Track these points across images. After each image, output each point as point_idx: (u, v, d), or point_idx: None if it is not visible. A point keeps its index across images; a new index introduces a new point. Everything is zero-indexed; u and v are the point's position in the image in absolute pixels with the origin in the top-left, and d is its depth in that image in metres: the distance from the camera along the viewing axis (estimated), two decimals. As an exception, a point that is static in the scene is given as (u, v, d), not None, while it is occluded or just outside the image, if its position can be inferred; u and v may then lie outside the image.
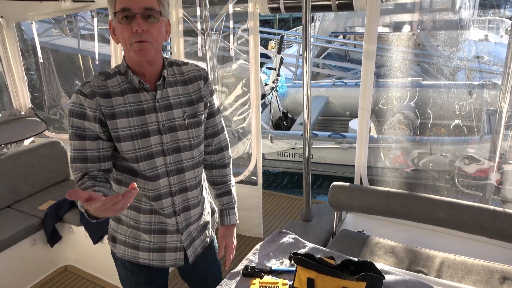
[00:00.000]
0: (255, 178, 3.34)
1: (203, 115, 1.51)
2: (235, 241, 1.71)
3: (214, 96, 1.58)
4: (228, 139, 1.71)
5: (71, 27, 13.11)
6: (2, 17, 3.51)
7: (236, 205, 1.74)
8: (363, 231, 2.46)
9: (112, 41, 3.37)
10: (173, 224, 1.49)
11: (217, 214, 1.74)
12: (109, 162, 1.39)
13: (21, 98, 3.88)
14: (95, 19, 3.99)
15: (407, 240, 2.35)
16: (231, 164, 1.71)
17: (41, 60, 4.03)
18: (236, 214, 1.73)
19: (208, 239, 1.68)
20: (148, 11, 1.28)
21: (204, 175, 1.65)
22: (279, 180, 6.30)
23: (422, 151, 4.68)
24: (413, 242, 2.32)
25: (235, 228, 1.73)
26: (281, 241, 1.85)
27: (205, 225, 1.64)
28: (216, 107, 1.59)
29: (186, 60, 3.41)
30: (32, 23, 3.70)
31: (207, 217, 1.65)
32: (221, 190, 1.69)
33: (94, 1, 3.44)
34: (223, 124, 1.67)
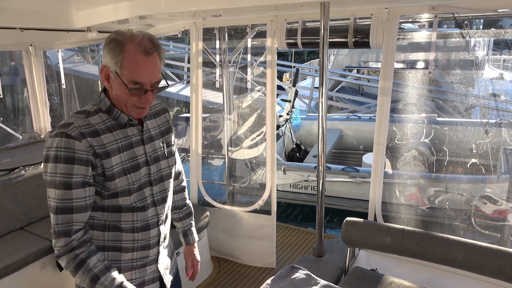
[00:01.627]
0: (268, 207, 3.32)
1: (174, 145, 1.63)
2: (198, 256, 1.86)
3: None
4: (181, 164, 1.82)
5: (93, 55, 13.61)
6: (31, 45, 3.67)
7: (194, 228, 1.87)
8: (376, 269, 2.39)
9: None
10: (154, 254, 1.54)
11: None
12: (90, 212, 1.37)
13: (42, 121, 3.99)
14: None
15: (423, 281, 2.27)
16: (186, 188, 1.84)
17: (63, 86, 4.17)
18: (195, 235, 1.87)
19: (175, 263, 1.76)
20: (156, 84, 1.35)
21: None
22: (290, 211, 6.23)
23: (438, 188, 4.60)
24: (428, 283, 2.25)
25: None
26: (293, 277, 1.82)
27: (171, 246, 1.74)
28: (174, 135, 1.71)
29: (204, 90, 3.51)
30: (58, 51, 3.86)
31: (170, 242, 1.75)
32: (184, 213, 1.80)
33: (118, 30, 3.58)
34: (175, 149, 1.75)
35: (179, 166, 1.75)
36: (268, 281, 1.81)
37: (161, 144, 1.53)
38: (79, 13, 2.90)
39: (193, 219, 1.86)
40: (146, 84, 1.31)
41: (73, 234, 1.31)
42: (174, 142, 1.62)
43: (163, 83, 1.40)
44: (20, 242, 2.92)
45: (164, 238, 1.58)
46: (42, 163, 1.33)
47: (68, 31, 3.29)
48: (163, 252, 1.60)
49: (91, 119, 1.35)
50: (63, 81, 4.07)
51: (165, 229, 1.57)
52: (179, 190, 1.78)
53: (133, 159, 1.41)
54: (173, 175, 1.59)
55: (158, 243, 1.54)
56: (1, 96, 3.78)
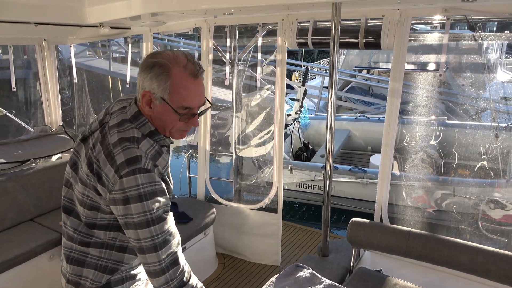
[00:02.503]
0: (275, 206, 3.34)
1: None
2: None
3: None
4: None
5: (104, 50, 13.71)
6: (45, 40, 3.73)
7: None
8: (381, 270, 2.40)
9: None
10: None
11: None
12: None
13: (53, 115, 4.05)
14: (130, 45, 4.18)
15: (427, 283, 2.27)
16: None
17: (75, 81, 4.22)
18: None
19: None
20: (202, 106, 1.32)
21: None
22: (296, 210, 6.24)
23: (445, 191, 4.57)
24: (433, 286, 2.25)
25: None
26: (297, 275, 1.83)
27: None
28: None
29: (213, 88, 3.53)
30: (70, 46, 3.91)
31: None
32: None
33: (130, 28, 3.62)
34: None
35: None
36: (273, 278, 1.83)
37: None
38: (92, 8, 2.94)
39: None
40: (195, 108, 1.28)
41: (181, 260, 1.27)
42: None
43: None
44: (30, 233, 2.98)
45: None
46: (119, 206, 1.21)
47: (81, 26, 3.33)
48: None
49: (141, 146, 1.27)
50: (75, 75, 4.12)
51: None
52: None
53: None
54: None
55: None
56: (14, 89, 3.84)
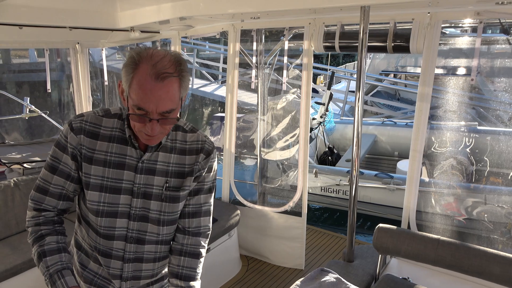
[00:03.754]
0: (299, 209, 3.33)
1: (186, 192, 1.35)
2: None
3: (212, 174, 1.41)
4: (210, 228, 1.44)
5: (133, 53, 14.05)
6: (78, 43, 3.87)
7: None
8: (408, 278, 2.34)
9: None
10: (116, 287, 1.40)
11: None
12: (68, 203, 1.34)
13: (85, 116, 4.20)
14: (159, 48, 4.28)
15: (457, 293, 2.21)
16: (202, 260, 1.42)
17: (106, 83, 4.35)
18: None
19: None
20: (167, 114, 1.17)
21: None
22: (320, 215, 6.18)
23: (476, 199, 4.43)
24: (463, 296, 2.18)
25: None
26: (322, 279, 1.82)
27: None
28: (208, 186, 1.40)
29: (239, 91, 3.57)
30: (102, 49, 4.04)
31: None
32: None
33: (159, 32, 3.71)
34: (211, 208, 1.44)
35: (200, 225, 1.41)
36: (298, 282, 1.82)
37: (163, 183, 1.31)
38: (124, 13, 3.03)
39: None
40: (151, 113, 1.14)
41: (43, 212, 1.31)
42: (189, 188, 1.36)
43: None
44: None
45: (133, 278, 1.40)
46: None
47: (112, 30, 3.44)
48: None
49: (104, 120, 1.28)
50: (106, 78, 4.25)
51: (131, 268, 1.37)
52: (190, 253, 1.39)
53: (116, 180, 1.27)
54: (165, 223, 1.35)
55: (120, 277, 1.37)
56: (49, 91, 4.00)
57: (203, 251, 1.42)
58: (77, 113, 4.32)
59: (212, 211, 1.45)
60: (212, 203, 1.44)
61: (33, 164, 3.49)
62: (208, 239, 1.45)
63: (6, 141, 4.00)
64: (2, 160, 3.48)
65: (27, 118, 4.89)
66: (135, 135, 1.27)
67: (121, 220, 1.31)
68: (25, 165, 3.46)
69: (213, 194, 1.44)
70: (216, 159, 1.42)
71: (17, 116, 5.24)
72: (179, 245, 1.39)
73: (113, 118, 1.29)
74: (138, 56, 1.13)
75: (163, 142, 1.30)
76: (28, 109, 4.82)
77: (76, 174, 1.30)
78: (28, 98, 4.88)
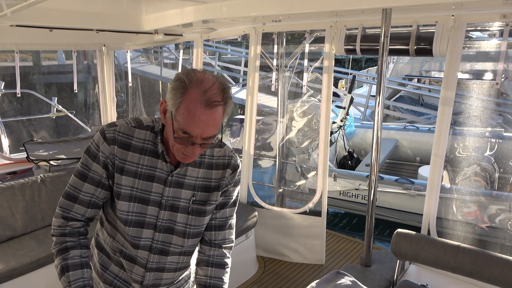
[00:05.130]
0: (319, 210, 3.33)
1: (212, 206, 1.39)
2: None
3: (238, 188, 1.45)
4: (234, 240, 1.50)
5: (156, 56, 14.36)
6: (104, 45, 3.99)
7: None
8: (427, 285, 2.31)
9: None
10: None
11: None
12: (95, 211, 1.35)
13: (109, 116, 4.31)
14: (181, 51, 4.36)
15: (477, 302, 2.16)
16: (229, 268, 1.48)
17: (130, 84, 4.46)
18: None
19: None
20: (208, 139, 1.20)
21: (191, 263, 1.52)
22: (339, 220, 6.13)
23: (500, 207, 4.30)
24: (483, 305, 2.13)
25: None
26: (338, 282, 1.82)
27: None
28: (233, 199, 1.45)
29: (258, 94, 3.60)
30: (127, 52, 4.15)
31: None
32: None
33: (182, 35, 3.78)
34: (234, 220, 1.49)
35: (225, 237, 1.46)
36: (313, 284, 1.82)
37: (190, 196, 1.34)
38: (148, 16, 3.11)
39: None
40: (196, 138, 1.17)
41: (70, 221, 1.31)
42: (216, 202, 1.40)
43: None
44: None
45: (154, 286, 1.43)
46: None
47: (137, 33, 3.53)
48: None
49: (136, 132, 1.29)
50: (130, 79, 4.36)
51: (152, 276, 1.40)
52: (217, 263, 1.44)
53: (145, 191, 1.31)
54: (190, 236, 1.39)
55: (141, 284, 1.41)
56: (76, 91, 4.13)
57: (229, 261, 1.47)
58: (102, 113, 4.46)
59: (235, 224, 1.50)
60: (235, 217, 1.50)
61: (59, 161, 3.61)
62: (231, 250, 1.50)
63: (35, 138, 4.16)
64: (30, 157, 3.61)
65: (54, 117, 5.06)
66: (167, 150, 1.30)
67: (147, 231, 1.34)
68: (51, 162, 3.58)
69: (236, 207, 1.48)
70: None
71: (45, 116, 5.43)
72: (206, 256, 1.44)
73: (145, 130, 1.30)
74: (188, 80, 1.14)
75: (198, 158, 1.34)
76: (55, 109, 4.98)
77: (107, 181, 1.30)
78: (56, 98, 5.05)
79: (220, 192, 1.38)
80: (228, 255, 1.47)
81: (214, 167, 1.37)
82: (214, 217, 1.42)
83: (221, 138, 1.30)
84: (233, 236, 1.49)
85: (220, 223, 1.44)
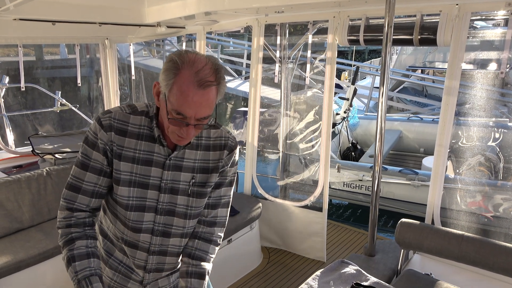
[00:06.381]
0: (320, 204, 3.34)
1: (211, 187, 1.41)
2: None
3: (234, 169, 1.46)
4: (227, 218, 1.51)
5: (158, 49, 14.34)
6: (107, 39, 3.99)
7: None
8: (431, 274, 2.32)
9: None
10: (139, 276, 1.45)
11: None
12: (100, 200, 1.35)
13: (113, 110, 4.33)
14: (184, 44, 4.36)
15: (481, 291, 2.17)
16: (216, 247, 1.48)
17: (133, 78, 4.47)
18: None
19: None
20: (202, 120, 1.21)
21: None
22: (343, 211, 6.15)
23: (504, 196, 4.30)
24: (487, 294, 2.14)
25: None
26: (342, 271, 1.83)
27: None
28: (229, 179, 1.46)
29: (262, 86, 3.60)
30: (130, 45, 4.15)
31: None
32: (194, 269, 1.41)
33: (184, 28, 3.78)
34: (230, 200, 1.50)
35: (217, 215, 1.47)
36: (318, 272, 1.84)
37: (189, 179, 1.36)
38: (151, 9, 3.11)
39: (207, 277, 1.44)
40: (190, 118, 1.18)
41: (75, 212, 1.31)
42: (213, 183, 1.41)
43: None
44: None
45: (156, 270, 1.45)
46: None
47: (140, 26, 3.53)
48: (155, 284, 1.48)
49: (131, 118, 1.29)
50: (133, 72, 4.37)
51: (155, 260, 1.42)
52: (204, 238, 1.45)
53: (144, 176, 1.31)
54: (191, 217, 1.41)
55: (144, 269, 1.43)
56: (79, 84, 4.15)
57: (218, 240, 1.48)
58: (105, 106, 4.47)
59: (230, 203, 1.50)
60: (231, 196, 1.50)
61: (64, 154, 3.64)
62: (224, 229, 1.50)
63: (40, 132, 4.19)
64: (35, 151, 3.64)
65: (58, 111, 5.09)
66: (163, 134, 1.30)
67: (149, 214, 1.35)
68: (56, 155, 3.61)
69: (233, 187, 1.49)
70: (238, 152, 1.45)
71: (49, 109, 5.46)
72: (194, 231, 1.46)
73: (140, 116, 1.31)
74: (180, 61, 1.15)
75: (191, 142, 1.34)
76: (59, 103, 5.01)
77: (108, 168, 1.31)
78: (60, 92, 5.07)
79: (217, 174, 1.39)
80: (218, 233, 1.47)
81: (212, 148, 1.37)
82: (209, 196, 1.43)
83: (215, 119, 1.30)
84: (226, 215, 1.49)
85: (214, 202, 1.45)
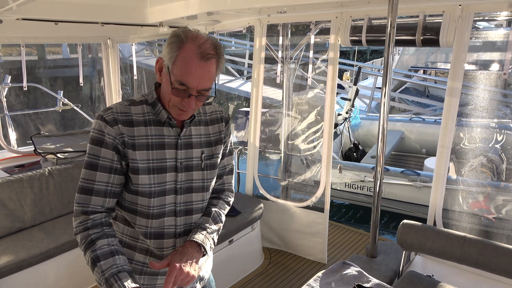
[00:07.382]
0: (322, 205, 3.33)
1: (219, 158, 1.48)
2: (189, 268, 1.28)
3: (231, 138, 1.56)
4: (233, 184, 1.62)
5: (160, 49, 14.37)
6: (109, 38, 4.00)
7: (212, 235, 1.43)
8: (433, 275, 2.31)
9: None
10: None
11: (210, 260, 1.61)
12: (114, 200, 1.34)
13: (115, 109, 4.33)
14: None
15: (483, 292, 2.17)
16: (226, 204, 1.56)
17: (135, 77, 4.47)
18: (208, 242, 1.39)
19: (203, 281, 1.56)
20: (204, 92, 1.27)
21: None
22: (344, 211, 6.14)
23: (506, 198, 4.28)
24: (490, 296, 2.13)
25: (198, 256, 1.35)
26: (344, 272, 1.83)
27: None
28: (229, 149, 1.55)
29: (263, 87, 3.59)
30: (132, 45, 4.15)
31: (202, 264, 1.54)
32: (218, 198, 1.55)
33: (187, 28, 3.78)
34: (233, 167, 1.61)
35: (224, 182, 1.58)
36: (319, 274, 1.84)
37: (200, 154, 1.41)
38: (153, 8, 3.11)
39: (212, 229, 1.44)
40: (192, 89, 1.24)
41: (91, 215, 1.28)
42: (220, 154, 1.48)
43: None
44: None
45: None
46: None
47: (142, 25, 3.53)
48: None
49: (132, 108, 1.32)
50: (135, 72, 4.37)
51: (182, 242, 1.41)
52: (214, 197, 1.55)
53: (161, 160, 1.33)
54: (208, 189, 1.46)
55: None
56: (82, 84, 4.15)
57: (227, 199, 1.58)
58: (108, 106, 4.46)
59: (234, 170, 1.61)
60: (234, 163, 1.61)
61: (66, 154, 3.64)
62: (232, 194, 1.62)
63: (42, 132, 4.19)
64: (37, 150, 3.65)
65: (60, 110, 5.09)
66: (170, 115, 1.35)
67: (169, 197, 1.37)
68: (58, 155, 3.61)
69: (233, 155, 1.60)
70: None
71: (51, 109, 5.47)
72: None
73: (140, 105, 1.34)
74: (184, 35, 1.22)
75: (196, 117, 1.41)
76: (61, 102, 5.01)
77: (119, 165, 1.30)
78: (62, 92, 5.08)
79: (221, 146, 1.48)
80: (228, 195, 1.59)
81: (210, 122, 1.46)
82: None
83: (215, 93, 1.34)
84: (232, 181, 1.61)
85: (219, 172, 1.54)
